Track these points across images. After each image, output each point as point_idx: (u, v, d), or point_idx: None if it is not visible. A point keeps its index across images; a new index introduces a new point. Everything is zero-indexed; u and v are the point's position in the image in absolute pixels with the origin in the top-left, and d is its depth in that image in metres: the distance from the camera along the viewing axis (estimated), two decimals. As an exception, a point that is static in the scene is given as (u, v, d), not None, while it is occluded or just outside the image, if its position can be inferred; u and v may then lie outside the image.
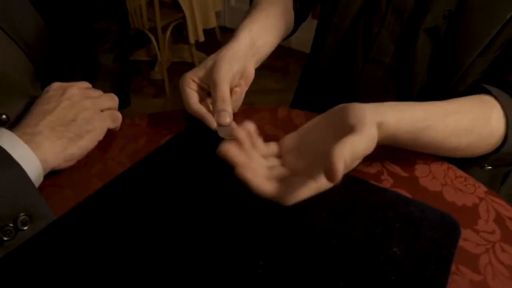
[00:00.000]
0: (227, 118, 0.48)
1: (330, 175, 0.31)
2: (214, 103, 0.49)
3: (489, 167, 0.54)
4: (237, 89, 0.53)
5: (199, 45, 2.45)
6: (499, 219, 0.40)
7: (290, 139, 0.44)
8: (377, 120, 0.38)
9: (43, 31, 0.54)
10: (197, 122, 0.51)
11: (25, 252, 0.35)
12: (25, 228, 0.36)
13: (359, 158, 0.35)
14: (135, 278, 0.33)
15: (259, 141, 0.43)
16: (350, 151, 0.31)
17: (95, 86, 0.66)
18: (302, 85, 0.83)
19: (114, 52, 0.73)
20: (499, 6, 0.49)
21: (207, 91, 0.53)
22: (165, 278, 0.33)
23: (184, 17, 2.22)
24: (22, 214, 0.36)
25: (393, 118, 0.40)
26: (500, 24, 0.49)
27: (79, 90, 0.48)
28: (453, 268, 0.35)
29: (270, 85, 2.32)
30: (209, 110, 0.51)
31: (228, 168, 0.39)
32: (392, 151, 0.48)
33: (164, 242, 0.36)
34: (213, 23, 2.40)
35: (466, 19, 0.52)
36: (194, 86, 0.52)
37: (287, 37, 0.71)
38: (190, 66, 2.56)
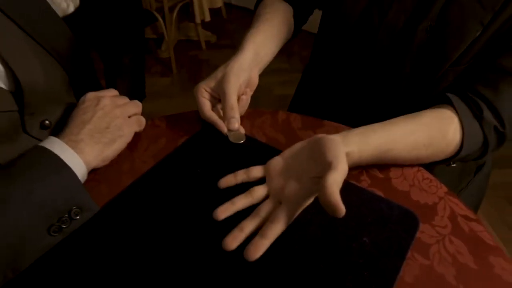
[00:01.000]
0: (236, 124, 0.57)
1: (337, 212, 0.39)
2: (224, 110, 0.58)
3: (454, 165, 0.63)
4: (243, 96, 0.62)
5: (205, 23, 2.49)
6: (452, 216, 0.50)
7: (275, 164, 0.51)
8: (346, 151, 0.47)
9: (74, 43, 0.62)
10: (210, 126, 0.60)
11: (78, 236, 0.46)
12: (77, 217, 0.46)
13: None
14: (161, 258, 0.44)
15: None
16: (337, 188, 0.40)
17: (115, 83, 0.75)
18: (302, 85, 0.92)
19: (130, 54, 0.81)
20: (470, 24, 0.57)
21: (218, 99, 0.62)
22: (184, 263, 0.44)
23: (190, -3, 2.26)
24: (74, 207, 0.46)
25: (357, 148, 0.49)
26: (470, 40, 0.57)
27: (110, 100, 0.57)
28: (408, 254, 0.45)
29: (273, 65, 2.37)
30: (219, 116, 0.60)
31: (238, 167, 0.49)
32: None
33: (183, 230, 0.47)
34: (219, 2, 2.44)
35: (443, 33, 0.59)
36: (206, 95, 0.61)
37: (288, 41, 0.79)
38: (196, 44, 2.61)
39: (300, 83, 0.96)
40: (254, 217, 0.45)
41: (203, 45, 2.58)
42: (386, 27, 0.65)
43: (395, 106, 0.68)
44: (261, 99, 2.06)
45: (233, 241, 0.43)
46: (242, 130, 0.60)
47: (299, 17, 0.79)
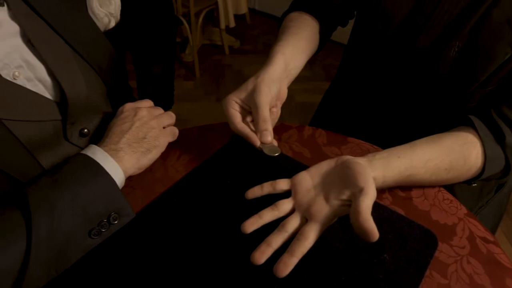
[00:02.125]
0: (269, 137, 0.55)
1: (371, 237, 0.41)
2: (256, 123, 0.56)
3: (475, 185, 0.64)
4: (274, 109, 0.60)
5: (228, 28, 2.54)
6: (471, 237, 0.52)
7: (302, 180, 0.53)
8: (372, 175, 0.49)
9: (113, 56, 0.66)
10: (239, 137, 0.62)
11: (116, 240, 0.49)
12: (115, 222, 0.50)
13: None
14: (191, 265, 0.47)
15: (275, 184, 0.54)
16: (370, 213, 0.43)
17: (146, 91, 0.79)
18: (328, 98, 0.94)
19: (161, 63, 0.85)
20: (499, 46, 0.58)
21: (248, 111, 0.60)
22: (215, 269, 0.47)
23: (216, 3, 2.30)
24: (113, 212, 0.50)
25: (381, 173, 0.51)
26: (499, 62, 0.58)
27: (147, 111, 0.60)
28: (427, 272, 0.47)
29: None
30: (251, 129, 0.58)
31: (266, 179, 0.53)
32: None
33: (211, 239, 0.50)
34: (244, 9, 2.48)
35: (472, 55, 0.61)
36: (236, 106, 0.59)
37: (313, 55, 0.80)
38: (220, 49, 2.66)
39: (327, 94, 0.98)
40: (281, 232, 0.48)
41: (227, 50, 2.62)
42: (416, 50, 0.66)
43: (420, 125, 0.70)
44: (282, 106, 2.08)
45: (261, 255, 0.45)
46: (275, 143, 0.58)
47: (325, 32, 0.80)
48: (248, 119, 0.61)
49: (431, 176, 0.55)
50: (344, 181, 0.48)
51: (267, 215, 0.50)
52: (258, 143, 0.56)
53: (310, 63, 2.51)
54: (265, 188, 0.54)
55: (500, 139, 0.56)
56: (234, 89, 0.61)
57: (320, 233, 0.47)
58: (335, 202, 0.48)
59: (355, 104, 0.83)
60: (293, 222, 0.49)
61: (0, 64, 0.49)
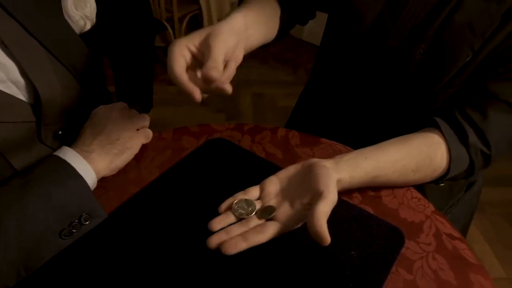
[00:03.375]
0: (216, 73, 0.44)
1: (323, 242, 0.42)
2: (206, 64, 0.45)
3: (442, 184, 0.66)
4: (230, 63, 0.49)
5: (213, 34, 2.54)
6: (438, 234, 0.53)
7: (270, 184, 0.54)
8: (337, 178, 0.50)
9: (89, 59, 0.66)
10: (214, 140, 0.63)
11: (86, 241, 0.49)
12: (87, 223, 0.50)
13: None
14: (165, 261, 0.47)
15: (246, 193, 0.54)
16: (325, 218, 0.43)
17: (124, 92, 0.79)
18: (302, 101, 0.95)
19: (141, 64, 0.85)
20: (461, 49, 0.60)
21: (200, 61, 0.48)
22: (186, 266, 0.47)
23: (200, 9, 2.32)
24: (84, 213, 0.50)
25: (347, 175, 0.52)
26: (460, 64, 0.60)
27: (120, 113, 0.61)
28: (393, 269, 0.48)
29: (279, 77, 2.42)
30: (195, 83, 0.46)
31: (238, 179, 0.53)
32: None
33: (183, 239, 0.50)
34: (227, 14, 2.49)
35: (434, 57, 0.63)
36: (185, 52, 0.48)
37: (266, 44, 0.70)
38: (204, 54, 2.66)
39: (301, 97, 0.99)
40: (242, 225, 0.49)
41: (211, 55, 2.63)
42: (385, 52, 0.68)
43: (390, 125, 0.72)
44: (265, 111, 2.10)
45: (216, 241, 0.47)
46: (229, 88, 0.45)
47: (284, 24, 0.74)
48: (198, 73, 0.49)
49: (398, 177, 0.56)
50: (307, 184, 0.49)
51: (236, 230, 0.49)
52: (197, 95, 0.45)
53: (293, 68, 2.55)
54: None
55: (464, 139, 0.58)
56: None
57: (279, 233, 0.48)
58: (299, 207, 0.49)
59: (328, 105, 0.84)
60: (257, 219, 0.50)
61: (-31, 65, 0.49)
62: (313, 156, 0.65)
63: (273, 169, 0.56)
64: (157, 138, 0.67)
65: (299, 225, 0.50)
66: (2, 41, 0.52)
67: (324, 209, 0.44)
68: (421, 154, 0.57)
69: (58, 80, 0.59)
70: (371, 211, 0.56)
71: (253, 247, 0.47)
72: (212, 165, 0.61)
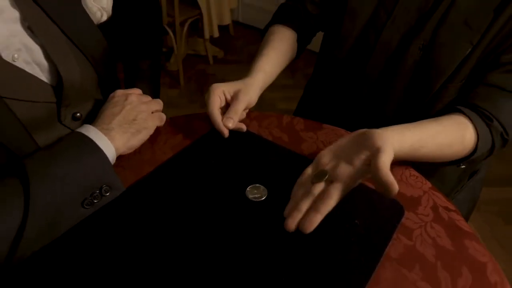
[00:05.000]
0: (230, 123, 0.65)
1: (391, 189, 0.43)
2: (229, 110, 0.66)
3: (463, 166, 0.70)
4: (244, 111, 0.71)
5: (213, 39, 2.60)
6: (435, 207, 0.57)
7: (324, 155, 0.54)
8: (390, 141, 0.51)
9: (105, 48, 0.70)
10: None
11: (108, 209, 0.53)
12: (107, 194, 0.53)
13: None
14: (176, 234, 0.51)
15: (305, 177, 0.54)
16: (388, 167, 0.45)
17: (135, 86, 0.83)
18: (305, 98, 1.00)
19: (149, 60, 0.89)
20: (460, 43, 0.65)
21: (227, 104, 0.69)
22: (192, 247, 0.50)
23: (200, 14, 2.37)
24: (104, 185, 0.53)
25: (397, 142, 0.52)
26: (461, 58, 0.65)
27: (136, 97, 0.64)
28: (394, 236, 0.52)
29: (278, 81, 2.46)
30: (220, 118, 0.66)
31: (245, 158, 0.56)
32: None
33: (196, 212, 0.54)
34: (227, 20, 2.55)
35: (435, 52, 0.67)
36: (221, 96, 0.67)
37: (292, 61, 0.88)
38: (204, 58, 2.71)
39: (302, 98, 1.04)
40: (308, 197, 0.49)
41: (211, 60, 2.68)
42: (382, 46, 0.73)
43: (392, 122, 0.76)
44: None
45: (292, 221, 0.48)
46: (243, 127, 0.68)
47: (303, 40, 0.88)
48: (220, 110, 0.68)
49: (436, 151, 0.59)
50: (363, 144, 0.50)
51: (305, 204, 0.49)
52: (223, 128, 0.65)
53: (292, 72, 2.61)
54: (304, 204, 0.50)
55: (487, 122, 0.62)
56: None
57: (344, 193, 0.48)
58: (357, 162, 0.49)
59: (329, 104, 0.89)
60: (319, 187, 0.50)
61: (1, 46, 0.52)
62: (317, 139, 0.69)
63: (280, 150, 0.60)
64: (169, 123, 0.71)
65: (360, 181, 0.51)
66: (28, 25, 0.56)
67: (385, 159, 0.45)
68: (454, 131, 0.60)
69: (78, 65, 0.63)
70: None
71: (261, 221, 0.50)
72: (221, 146, 0.65)
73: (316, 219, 0.46)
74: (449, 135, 0.60)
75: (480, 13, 0.61)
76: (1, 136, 0.51)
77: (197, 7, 2.35)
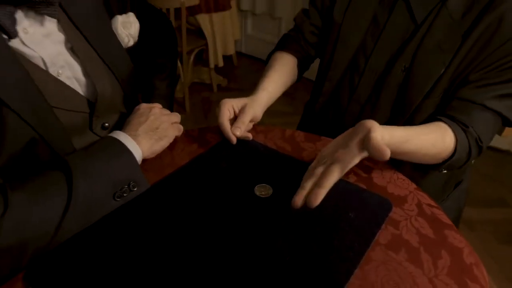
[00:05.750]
0: (238, 132, 0.76)
1: (384, 154, 0.52)
2: (236, 121, 0.77)
3: (445, 171, 0.79)
4: (251, 123, 0.82)
5: (217, 68, 2.74)
6: (419, 204, 0.65)
7: (325, 151, 0.64)
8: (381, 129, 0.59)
9: (132, 70, 0.81)
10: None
11: (135, 203, 0.61)
12: (135, 189, 0.62)
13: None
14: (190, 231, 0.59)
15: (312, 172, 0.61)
16: (379, 139, 0.54)
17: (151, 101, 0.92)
18: (304, 119, 1.10)
19: (167, 80, 1.00)
20: (435, 64, 0.75)
21: (235, 117, 0.80)
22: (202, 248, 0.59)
23: (206, 44, 2.52)
24: (132, 181, 0.62)
25: (388, 132, 0.62)
26: (436, 77, 0.75)
27: (159, 109, 0.74)
28: (383, 226, 0.60)
29: (278, 107, 2.58)
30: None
31: (252, 164, 0.65)
32: (361, 162, 0.74)
33: (211, 207, 0.62)
34: (231, 50, 2.70)
35: (415, 72, 0.77)
36: (231, 109, 0.78)
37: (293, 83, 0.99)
38: (208, 86, 2.84)
39: (302, 118, 1.14)
40: (311, 177, 0.58)
41: (215, 88, 2.81)
42: (370, 69, 0.84)
43: None
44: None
45: (299, 198, 0.56)
46: (249, 135, 0.78)
47: (302, 65, 1.01)
48: (230, 121, 0.79)
49: (421, 148, 0.67)
50: (356, 131, 0.59)
51: (308, 184, 0.58)
52: (234, 140, 0.76)
53: (292, 99, 2.73)
54: (308, 183, 0.59)
55: (463, 128, 0.71)
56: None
57: (343, 172, 0.56)
58: (352, 144, 0.58)
59: (326, 122, 0.98)
60: (321, 168, 0.59)
61: (49, 63, 0.63)
62: (316, 149, 0.78)
63: (285, 158, 0.69)
64: (185, 134, 0.80)
65: (357, 161, 0.58)
66: (71, 47, 0.67)
67: (376, 133, 0.54)
68: (436, 132, 0.69)
69: (109, 83, 0.73)
70: (364, 187, 0.68)
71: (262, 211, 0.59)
72: (231, 153, 0.74)
73: (320, 193, 0.54)
74: (432, 136, 0.69)
75: (451, 38, 0.72)
76: (48, 138, 0.60)
77: (203, 38, 2.51)
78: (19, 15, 0.59)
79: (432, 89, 0.76)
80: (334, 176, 0.56)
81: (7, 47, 0.56)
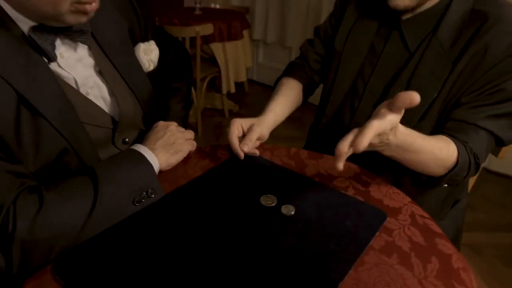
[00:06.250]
0: (246, 148, 0.83)
1: (414, 98, 0.57)
2: (245, 138, 0.84)
3: (445, 185, 0.83)
4: (257, 141, 0.88)
5: (229, 94, 2.85)
6: (412, 215, 0.70)
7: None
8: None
9: (151, 92, 0.89)
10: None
11: (152, 209, 0.68)
12: (152, 196, 0.68)
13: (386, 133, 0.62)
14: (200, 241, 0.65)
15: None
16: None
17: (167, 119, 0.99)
18: (309, 139, 1.17)
19: (182, 103, 1.08)
20: (428, 88, 0.81)
21: (243, 135, 0.87)
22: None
23: (219, 71, 2.63)
24: (149, 189, 0.69)
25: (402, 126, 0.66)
26: (430, 100, 0.81)
27: (175, 126, 0.82)
28: (377, 234, 0.65)
29: (286, 132, 2.66)
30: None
31: (259, 178, 0.72)
32: (358, 176, 0.79)
33: (220, 214, 0.68)
34: (243, 77, 2.81)
35: None
36: (240, 127, 0.86)
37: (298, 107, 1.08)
38: (220, 112, 2.94)
39: (307, 140, 1.21)
40: (350, 133, 0.62)
41: (227, 114, 2.91)
42: (369, 93, 0.91)
43: (380, 155, 0.91)
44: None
45: (345, 145, 0.60)
46: (256, 152, 0.85)
47: (307, 90, 1.09)
48: (238, 139, 0.86)
49: (427, 153, 0.71)
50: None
51: (350, 135, 0.61)
52: (241, 156, 0.83)
53: (300, 124, 2.80)
54: (349, 135, 0.62)
55: (463, 143, 0.75)
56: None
57: (380, 126, 0.59)
58: (381, 113, 0.62)
59: (329, 140, 1.04)
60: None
61: (80, 84, 0.71)
62: (318, 165, 0.84)
63: (289, 173, 0.76)
64: (198, 150, 0.87)
65: (385, 124, 0.61)
66: (99, 70, 0.75)
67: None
68: (443, 140, 0.74)
69: (131, 103, 0.81)
70: (362, 199, 0.73)
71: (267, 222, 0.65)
72: (240, 168, 0.81)
73: (364, 138, 0.56)
74: (440, 141, 0.73)
75: (442, 65, 0.78)
76: (78, 149, 0.68)
77: (216, 65, 2.63)
78: (58, 42, 0.68)
79: (427, 111, 0.83)
80: (374, 126, 0.58)
81: (48, 69, 0.65)
